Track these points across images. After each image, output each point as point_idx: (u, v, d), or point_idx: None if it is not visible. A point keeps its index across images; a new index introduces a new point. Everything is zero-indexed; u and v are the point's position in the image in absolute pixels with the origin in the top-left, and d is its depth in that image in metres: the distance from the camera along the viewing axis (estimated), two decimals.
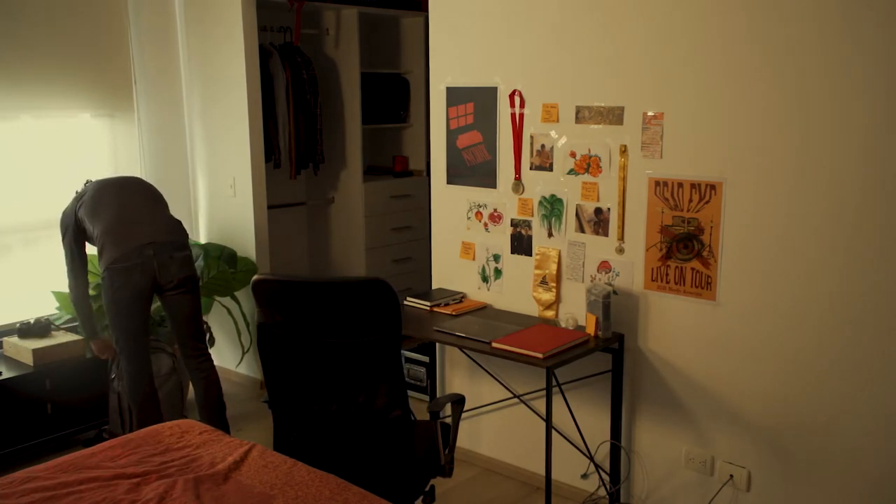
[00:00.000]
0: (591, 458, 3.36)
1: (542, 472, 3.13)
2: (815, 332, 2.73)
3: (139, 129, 4.69)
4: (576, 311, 3.28)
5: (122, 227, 3.52)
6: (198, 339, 3.71)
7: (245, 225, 4.65)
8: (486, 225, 3.56)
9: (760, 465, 2.93)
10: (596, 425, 3.34)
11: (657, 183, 3.01)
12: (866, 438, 2.68)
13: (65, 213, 3.70)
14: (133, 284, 3.45)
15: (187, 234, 3.72)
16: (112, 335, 3.59)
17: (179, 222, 3.72)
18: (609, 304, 3.05)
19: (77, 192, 3.78)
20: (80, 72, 4.38)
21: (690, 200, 2.93)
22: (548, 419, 2.91)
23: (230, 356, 4.84)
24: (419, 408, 3.51)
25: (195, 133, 4.85)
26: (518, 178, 3.41)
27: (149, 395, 3.58)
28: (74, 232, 3.64)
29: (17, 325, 4.00)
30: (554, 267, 3.34)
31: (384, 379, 2.51)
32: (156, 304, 3.73)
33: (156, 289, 3.54)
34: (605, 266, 3.21)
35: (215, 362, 3.85)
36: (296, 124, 4.84)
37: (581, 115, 3.17)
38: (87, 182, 3.80)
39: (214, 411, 3.72)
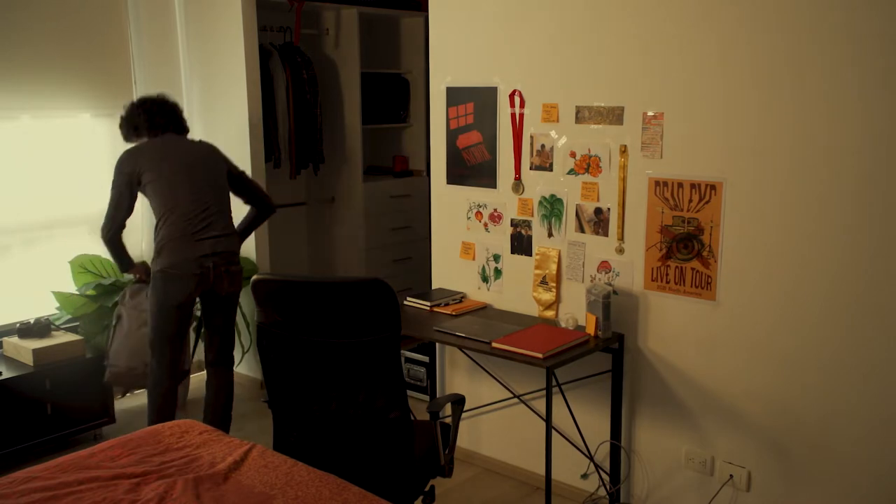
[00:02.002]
0: (591, 458, 3.36)
1: (542, 472, 3.13)
2: (814, 331, 2.73)
3: None
4: (576, 311, 3.28)
5: (189, 236, 3.46)
6: (227, 347, 3.76)
7: None
8: (486, 225, 3.56)
9: (760, 465, 2.93)
10: (596, 425, 3.34)
11: (657, 183, 3.01)
12: (866, 438, 2.68)
13: (121, 161, 3.57)
14: (184, 291, 3.47)
15: (240, 245, 3.73)
16: (149, 334, 3.58)
17: (235, 229, 3.72)
18: (609, 304, 3.05)
19: (125, 125, 3.68)
20: (80, 72, 4.38)
21: (690, 200, 2.93)
22: (548, 419, 2.91)
23: None
24: (419, 408, 3.52)
25: (195, 133, 4.83)
26: (518, 178, 3.41)
27: (168, 390, 3.60)
28: (129, 177, 3.52)
29: (17, 325, 4.00)
30: (554, 267, 3.34)
31: (383, 379, 2.51)
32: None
33: (203, 294, 3.58)
34: (605, 266, 3.21)
35: None
36: (296, 124, 4.84)
37: (581, 115, 3.17)
38: (136, 102, 3.68)
39: (218, 416, 3.73)
